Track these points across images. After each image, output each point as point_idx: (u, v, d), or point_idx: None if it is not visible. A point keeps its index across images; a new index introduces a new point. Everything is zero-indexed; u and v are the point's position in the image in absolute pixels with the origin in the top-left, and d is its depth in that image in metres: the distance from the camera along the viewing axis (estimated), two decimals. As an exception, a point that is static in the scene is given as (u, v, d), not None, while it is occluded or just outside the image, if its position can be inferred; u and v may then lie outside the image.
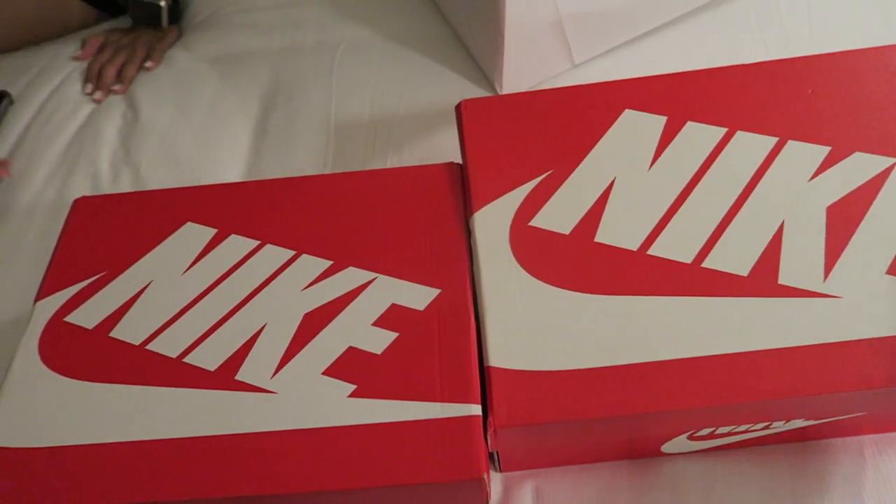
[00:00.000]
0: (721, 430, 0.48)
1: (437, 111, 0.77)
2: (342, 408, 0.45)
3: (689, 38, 0.82)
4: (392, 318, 0.49)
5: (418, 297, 0.50)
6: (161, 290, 0.53)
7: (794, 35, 0.80)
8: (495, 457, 0.51)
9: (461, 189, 0.56)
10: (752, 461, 0.52)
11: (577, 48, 0.77)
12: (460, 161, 0.58)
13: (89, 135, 0.83)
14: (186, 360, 0.49)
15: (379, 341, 0.48)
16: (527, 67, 0.76)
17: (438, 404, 0.45)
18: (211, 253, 0.54)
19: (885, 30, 0.79)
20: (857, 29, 0.79)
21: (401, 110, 0.79)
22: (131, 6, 0.93)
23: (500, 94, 0.77)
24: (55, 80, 0.90)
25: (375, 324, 0.49)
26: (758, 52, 0.79)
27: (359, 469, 0.43)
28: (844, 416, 0.48)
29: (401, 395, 0.45)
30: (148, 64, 0.88)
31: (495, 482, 0.53)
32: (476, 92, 0.79)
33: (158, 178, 0.78)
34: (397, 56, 0.85)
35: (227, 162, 0.78)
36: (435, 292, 0.50)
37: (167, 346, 0.50)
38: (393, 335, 0.48)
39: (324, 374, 0.47)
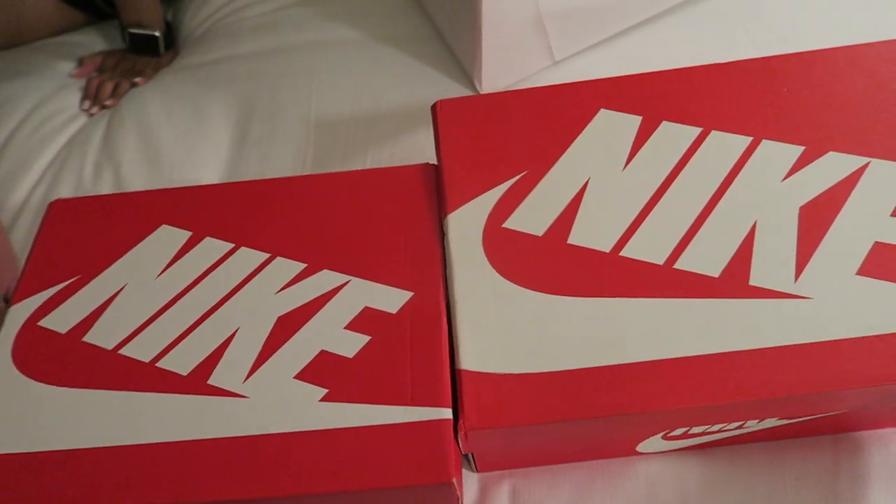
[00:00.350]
0: (695, 430, 0.48)
1: (419, 110, 0.77)
2: (314, 412, 0.45)
3: (674, 33, 0.81)
4: (365, 321, 0.49)
5: (391, 299, 0.50)
6: (135, 294, 0.53)
7: (781, 31, 0.79)
8: (471, 457, 0.51)
9: (436, 191, 0.56)
10: (728, 460, 0.52)
11: (558, 45, 0.76)
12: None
13: (78, 141, 0.84)
14: (159, 364, 0.49)
15: (351, 345, 0.48)
16: (507, 65, 0.76)
17: (409, 408, 0.45)
18: (185, 256, 0.54)
19: (874, 28, 0.78)
20: (846, 25, 0.79)
21: (382, 109, 0.79)
22: (128, 39, 0.94)
23: (480, 92, 0.77)
24: (48, 87, 0.90)
25: (348, 327, 0.49)
26: (744, 49, 0.78)
27: (330, 473, 0.43)
28: (818, 416, 0.48)
29: (372, 398, 0.46)
30: (138, 80, 0.91)
31: (472, 482, 0.53)
32: (457, 90, 0.78)
33: (140, 179, 0.78)
34: (380, 55, 0.85)
35: (209, 161, 0.78)
36: (408, 295, 0.50)
37: (140, 350, 0.50)
38: (365, 338, 0.48)
39: (295, 378, 0.47)
